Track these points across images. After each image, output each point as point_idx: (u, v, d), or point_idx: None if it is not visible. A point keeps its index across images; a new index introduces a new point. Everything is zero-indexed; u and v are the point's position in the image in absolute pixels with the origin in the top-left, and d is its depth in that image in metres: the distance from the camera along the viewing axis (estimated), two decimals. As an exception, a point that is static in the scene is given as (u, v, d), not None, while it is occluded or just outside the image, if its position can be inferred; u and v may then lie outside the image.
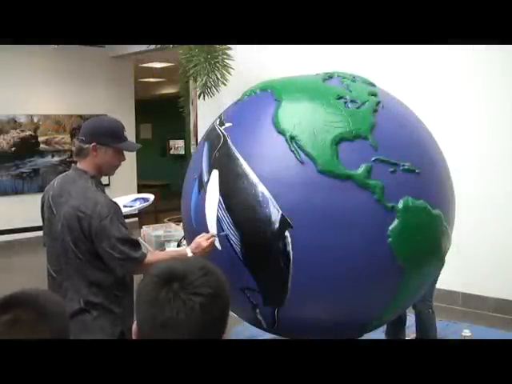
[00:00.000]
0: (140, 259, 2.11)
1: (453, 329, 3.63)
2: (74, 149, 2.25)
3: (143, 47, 6.95)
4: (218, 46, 5.54)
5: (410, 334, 3.41)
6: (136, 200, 3.22)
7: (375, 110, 2.11)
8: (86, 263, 2.12)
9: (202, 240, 2.11)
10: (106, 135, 2.16)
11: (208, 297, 1.00)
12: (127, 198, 3.17)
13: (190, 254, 2.10)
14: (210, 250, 2.09)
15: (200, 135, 5.56)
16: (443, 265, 2.35)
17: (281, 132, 2.04)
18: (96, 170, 2.18)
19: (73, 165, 2.26)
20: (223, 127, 2.24)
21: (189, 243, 2.47)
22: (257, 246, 2.02)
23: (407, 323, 3.31)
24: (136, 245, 2.14)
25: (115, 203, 2.18)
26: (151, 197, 3.24)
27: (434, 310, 3.25)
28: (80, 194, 2.11)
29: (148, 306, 1.00)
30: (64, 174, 2.29)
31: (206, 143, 2.30)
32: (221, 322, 1.05)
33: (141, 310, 1.02)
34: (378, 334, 2.76)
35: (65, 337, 1.10)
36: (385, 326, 3.19)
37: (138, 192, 9.45)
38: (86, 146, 2.15)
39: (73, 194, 2.12)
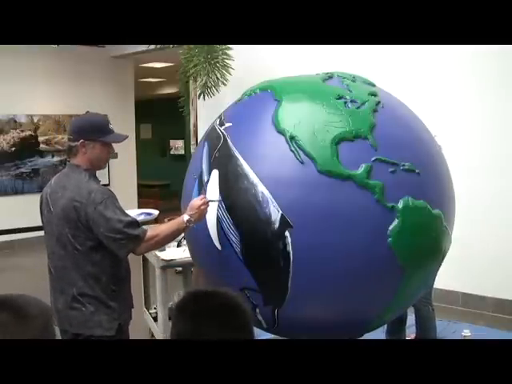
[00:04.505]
0: (141, 236, 2.13)
1: (453, 329, 3.63)
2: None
3: (143, 47, 6.95)
4: (217, 45, 5.53)
5: (410, 334, 3.41)
6: (141, 214, 3.45)
7: (375, 110, 2.11)
8: (84, 255, 2.15)
9: (195, 201, 2.14)
10: (92, 131, 2.21)
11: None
12: (133, 211, 3.30)
13: (186, 219, 2.13)
14: (205, 210, 2.13)
15: (200, 135, 5.56)
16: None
17: (281, 132, 2.04)
18: (88, 164, 2.23)
19: (67, 162, 2.33)
20: (223, 127, 2.24)
21: (188, 242, 2.47)
22: (257, 245, 2.02)
23: (407, 323, 3.30)
24: (134, 224, 2.16)
25: (109, 190, 2.22)
26: (155, 212, 3.49)
27: (434, 309, 3.25)
28: (74, 186, 2.16)
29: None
30: (60, 172, 2.34)
31: (205, 143, 2.30)
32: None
33: None
34: (378, 333, 2.76)
35: (47, 337, 1.08)
36: (385, 326, 3.19)
37: (138, 192, 9.48)
38: (75, 143, 2.20)
39: (67, 188, 2.18)
